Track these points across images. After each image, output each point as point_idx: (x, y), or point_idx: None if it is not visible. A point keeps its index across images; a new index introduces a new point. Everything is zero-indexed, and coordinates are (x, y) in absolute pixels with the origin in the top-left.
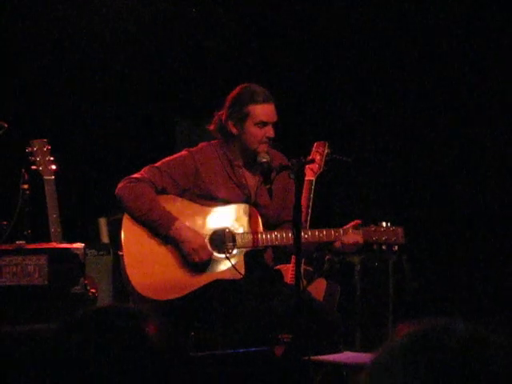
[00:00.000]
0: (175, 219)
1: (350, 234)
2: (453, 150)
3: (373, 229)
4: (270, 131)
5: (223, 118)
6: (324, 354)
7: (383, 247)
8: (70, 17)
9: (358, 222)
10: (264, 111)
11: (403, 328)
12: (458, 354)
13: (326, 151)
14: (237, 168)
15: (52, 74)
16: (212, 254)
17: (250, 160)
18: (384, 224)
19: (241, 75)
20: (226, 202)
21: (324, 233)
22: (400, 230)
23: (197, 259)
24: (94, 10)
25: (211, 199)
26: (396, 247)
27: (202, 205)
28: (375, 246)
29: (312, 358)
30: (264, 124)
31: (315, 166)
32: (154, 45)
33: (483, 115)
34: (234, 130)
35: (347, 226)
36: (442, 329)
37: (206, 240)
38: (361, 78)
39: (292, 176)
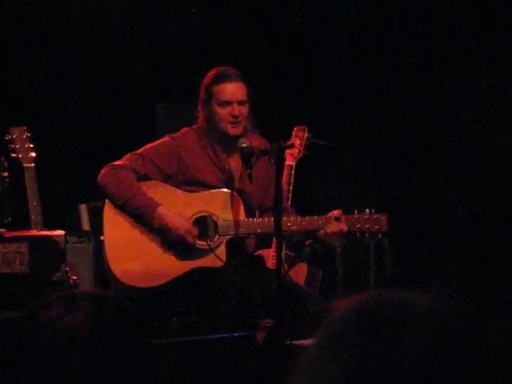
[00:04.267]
0: (157, 205)
1: (334, 223)
2: (435, 133)
3: (356, 216)
4: (234, 110)
5: (198, 103)
6: (306, 339)
7: (366, 235)
8: (48, 3)
9: (337, 213)
10: (225, 90)
11: (337, 305)
12: (386, 323)
13: (305, 136)
14: (219, 152)
15: (31, 61)
16: (196, 239)
17: (230, 144)
18: (367, 211)
19: (222, 58)
20: (210, 187)
21: (307, 220)
22: (384, 218)
23: (183, 243)
24: None
25: (195, 185)
26: (379, 235)
27: (185, 191)
28: (358, 234)
29: (294, 342)
30: (227, 103)
31: (295, 151)
32: (135, 30)
33: (468, 100)
34: (205, 114)
35: (329, 214)
36: (373, 301)
37: (191, 223)
38: (343, 62)
39: (272, 161)
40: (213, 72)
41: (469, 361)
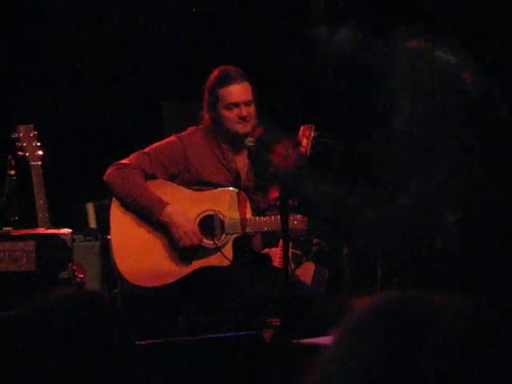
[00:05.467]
0: (166, 204)
1: None
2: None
3: None
4: (241, 111)
5: (204, 104)
6: (313, 338)
7: None
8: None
9: None
10: (231, 92)
11: (358, 304)
12: (411, 322)
13: (312, 135)
14: (226, 151)
15: (38, 59)
16: (202, 239)
17: (238, 143)
18: None
19: (227, 57)
20: (216, 186)
21: None
22: None
23: (188, 243)
24: None
25: (202, 184)
26: None
27: (192, 189)
28: None
29: (301, 341)
30: (235, 105)
31: (302, 150)
32: (140, 29)
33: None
34: (212, 116)
35: None
36: (397, 300)
37: (196, 225)
38: (349, 63)
39: None
40: (216, 73)
41: (491, 363)
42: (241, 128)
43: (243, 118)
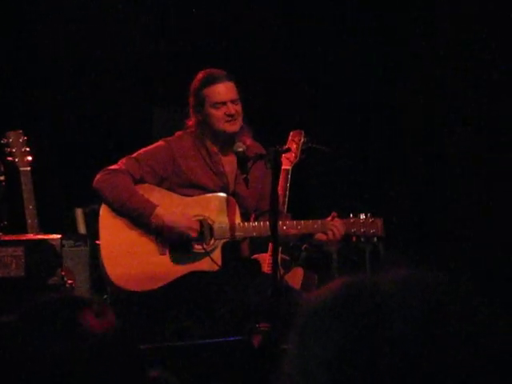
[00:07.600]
0: (155, 206)
1: (335, 223)
2: (430, 136)
3: (352, 220)
4: (228, 109)
5: (189, 108)
6: None
7: (361, 239)
8: (44, 8)
9: (334, 214)
10: (217, 91)
11: (308, 298)
12: (360, 312)
13: (302, 140)
14: (214, 155)
15: (27, 64)
16: (199, 228)
17: (226, 145)
18: (363, 215)
19: (217, 63)
20: (204, 189)
21: (303, 224)
22: (379, 222)
23: (185, 241)
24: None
25: (190, 187)
26: (375, 239)
27: (181, 194)
28: (354, 239)
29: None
30: (221, 104)
31: (291, 155)
32: (131, 34)
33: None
34: (199, 118)
35: (327, 219)
36: (346, 286)
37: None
38: (338, 68)
39: (268, 165)
40: (200, 75)
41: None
42: (228, 127)
43: (231, 116)
